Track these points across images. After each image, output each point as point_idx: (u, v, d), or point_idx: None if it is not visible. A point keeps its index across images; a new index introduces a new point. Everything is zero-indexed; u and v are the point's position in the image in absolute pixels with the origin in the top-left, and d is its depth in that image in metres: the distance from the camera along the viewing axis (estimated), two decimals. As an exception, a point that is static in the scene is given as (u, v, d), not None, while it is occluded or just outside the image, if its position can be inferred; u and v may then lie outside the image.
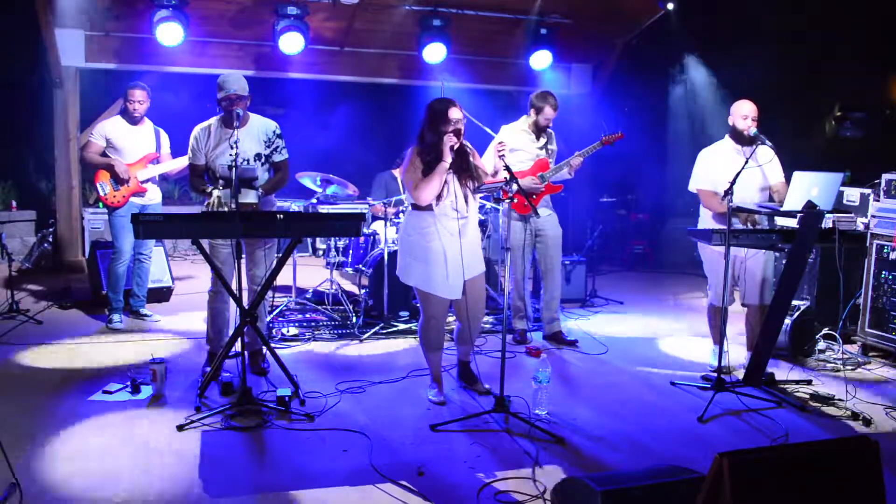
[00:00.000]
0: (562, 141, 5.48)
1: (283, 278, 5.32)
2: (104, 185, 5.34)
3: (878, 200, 5.07)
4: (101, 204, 6.02)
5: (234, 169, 3.77)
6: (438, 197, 3.79)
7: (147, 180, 5.45)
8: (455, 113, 3.73)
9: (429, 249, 3.83)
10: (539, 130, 5.23)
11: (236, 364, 4.09)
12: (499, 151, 3.78)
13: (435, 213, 3.83)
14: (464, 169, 3.86)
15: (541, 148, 5.23)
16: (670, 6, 7.24)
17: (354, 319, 5.64)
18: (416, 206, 3.88)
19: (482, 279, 4.04)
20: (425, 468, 3.20)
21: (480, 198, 4.19)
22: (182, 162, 5.43)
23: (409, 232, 3.92)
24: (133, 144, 5.41)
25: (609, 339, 5.52)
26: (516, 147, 5.13)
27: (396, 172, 6.76)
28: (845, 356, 5.04)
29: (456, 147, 3.74)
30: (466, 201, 3.86)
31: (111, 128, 5.41)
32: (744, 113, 4.49)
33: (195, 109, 5.86)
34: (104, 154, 5.37)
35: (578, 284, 6.71)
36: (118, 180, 5.33)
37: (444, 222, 3.82)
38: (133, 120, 5.42)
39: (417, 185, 3.75)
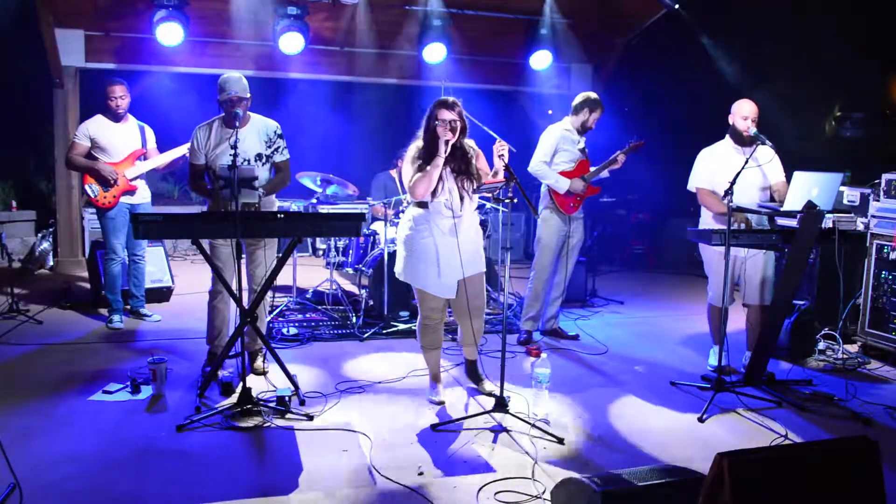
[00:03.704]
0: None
1: (283, 278, 5.32)
2: (93, 188, 5.26)
3: (878, 200, 5.07)
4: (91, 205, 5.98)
5: (234, 169, 3.77)
6: (434, 194, 3.80)
7: (136, 177, 5.39)
8: (445, 114, 3.70)
9: (422, 246, 3.85)
10: (583, 131, 5.23)
11: (236, 364, 4.09)
12: (498, 151, 3.78)
13: (430, 211, 3.84)
14: (462, 170, 3.85)
15: (581, 149, 5.24)
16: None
17: (354, 319, 5.64)
18: (414, 203, 3.91)
19: (481, 278, 4.01)
20: (425, 468, 3.20)
21: (479, 197, 4.16)
22: (169, 156, 5.39)
23: (406, 228, 3.94)
24: (119, 142, 5.33)
25: (609, 338, 5.52)
26: (564, 147, 5.15)
27: (394, 173, 6.77)
28: (845, 356, 5.04)
29: (451, 141, 3.71)
30: (462, 201, 3.86)
31: (95, 127, 5.29)
32: (744, 113, 4.49)
33: (195, 109, 5.86)
34: (90, 155, 5.27)
35: (578, 284, 6.70)
36: (105, 182, 5.26)
37: (437, 220, 3.83)
38: (117, 117, 5.32)
39: (413, 179, 3.78)
